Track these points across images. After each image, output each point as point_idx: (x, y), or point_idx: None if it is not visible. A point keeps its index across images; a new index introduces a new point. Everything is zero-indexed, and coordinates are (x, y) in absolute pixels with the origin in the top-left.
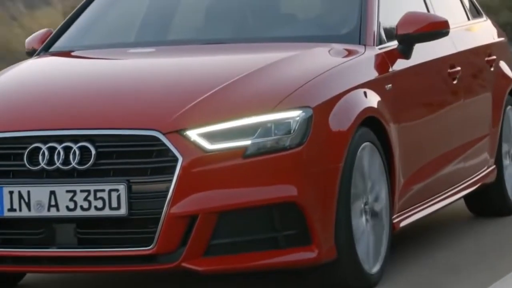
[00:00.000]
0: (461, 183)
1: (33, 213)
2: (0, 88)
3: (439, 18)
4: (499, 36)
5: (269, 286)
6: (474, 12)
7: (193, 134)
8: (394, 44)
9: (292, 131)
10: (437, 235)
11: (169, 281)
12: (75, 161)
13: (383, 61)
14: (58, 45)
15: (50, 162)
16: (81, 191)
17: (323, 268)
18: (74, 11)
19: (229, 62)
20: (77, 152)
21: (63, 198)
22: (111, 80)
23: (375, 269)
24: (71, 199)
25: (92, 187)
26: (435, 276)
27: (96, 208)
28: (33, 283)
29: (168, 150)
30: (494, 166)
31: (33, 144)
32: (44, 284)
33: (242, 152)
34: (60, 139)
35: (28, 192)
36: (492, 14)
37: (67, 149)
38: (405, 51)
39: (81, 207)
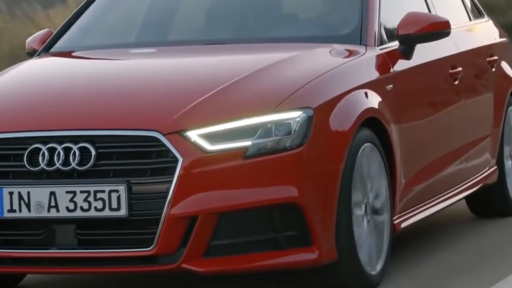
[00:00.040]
0: (463, 184)
1: (33, 214)
2: (0, 89)
3: (440, 18)
4: (500, 36)
5: (269, 287)
6: (476, 12)
7: (194, 135)
8: (395, 44)
9: (292, 132)
10: (438, 236)
11: (169, 281)
12: (75, 162)
13: (384, 62)
14: (59, 45)
15: (50, 163)
16: (81, 192)
17: (324, 269)
18: (74, 11)
19: (230, 62)
20: (77, 152)
21: (63, 199)
22: (111, 80)
23: (376, 270)
24: (71, 200)
25: (92, 188)
26: (436, 277)
27: (96, 209)
28: (33, 284)
29: (168, 150)
30: (495, 167)
31: (33, 144)
32: (44, 285)
33: (242, 152)
34: (60, 139)
35: (28, 193)
36: (499, 14)
37: (67, 150)
38: (406, 52)
39: (81, 208)
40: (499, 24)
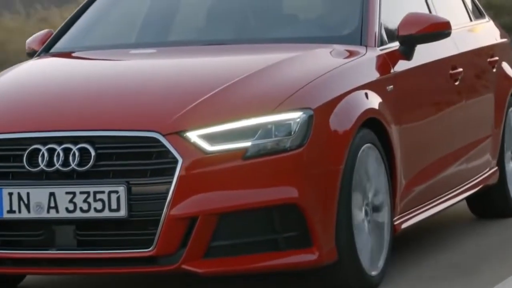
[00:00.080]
0: (463, 184)
1: (33, 214)
2: (0, 89)
3: (441, 19)
4: (501, 37)
5: None
6: (477, 13)
7: (193, 136)
8: (395, 45)
9: (292, 133)
10: (438, 237)
11: (169, 282)
12: (75, 163)
13: (385, 62)
14: (59, 46)
15: (50, 163)
16: (81, 192)
17: (324, 270)
18: (74, 11)
19: (230, 63)
20: (77, 153)
21: (63, 200)
22: (111, 81)
23: (376, 270)
24: (71, 201)
25: (91, 189)
26: (436, 277)
27: (96, 210)
28: (33, 285)
29: (168, 151)
30: (496, 168)
31: (32, 145)
32: (43, 286)
33: (242, 153)
34: (59, 140)
35: (28, 193)
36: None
37: (66, 151)
38: (406, 52)
39: (81, 208)
40: (508, 25)
